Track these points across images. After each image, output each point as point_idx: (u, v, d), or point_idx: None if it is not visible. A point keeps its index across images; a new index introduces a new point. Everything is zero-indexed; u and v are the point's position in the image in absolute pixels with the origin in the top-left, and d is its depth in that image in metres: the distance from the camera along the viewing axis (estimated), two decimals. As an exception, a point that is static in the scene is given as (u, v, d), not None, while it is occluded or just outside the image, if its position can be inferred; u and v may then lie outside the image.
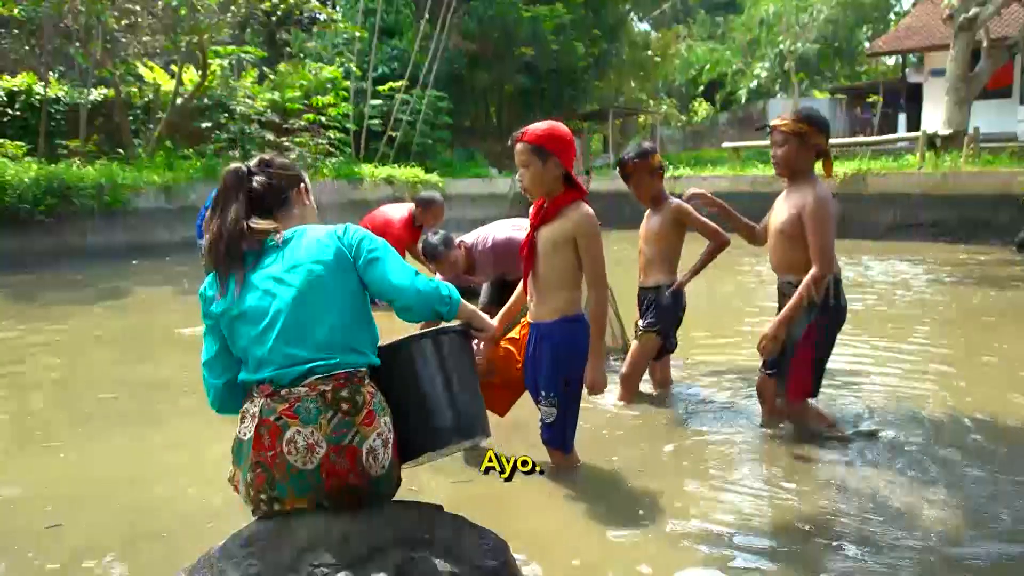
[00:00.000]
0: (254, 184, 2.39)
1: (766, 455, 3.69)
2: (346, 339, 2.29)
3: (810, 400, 3.78)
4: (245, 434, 2.22)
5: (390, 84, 19.36)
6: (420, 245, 5.46)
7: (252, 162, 2.46)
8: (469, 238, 5.51)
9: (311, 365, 2.22)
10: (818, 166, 3.81)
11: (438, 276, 5.53)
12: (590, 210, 3.23)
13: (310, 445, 2.17)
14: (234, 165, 2.41)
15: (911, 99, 23.41)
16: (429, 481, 3.37)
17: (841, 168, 15.39)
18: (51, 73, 14.71)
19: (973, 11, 15.42)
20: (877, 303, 7.66)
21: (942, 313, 7.28)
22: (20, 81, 14.22)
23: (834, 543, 2.79)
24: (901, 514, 3.00)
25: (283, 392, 2.19)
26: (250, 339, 2.25)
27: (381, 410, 2.30)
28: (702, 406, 4.41)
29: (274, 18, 18.67)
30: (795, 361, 3.62)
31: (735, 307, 7.89)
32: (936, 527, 2.89)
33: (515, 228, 5.45)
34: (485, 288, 5.75)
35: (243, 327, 2.26)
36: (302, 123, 17.12)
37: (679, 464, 3.58)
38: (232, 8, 15.42)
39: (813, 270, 3.48)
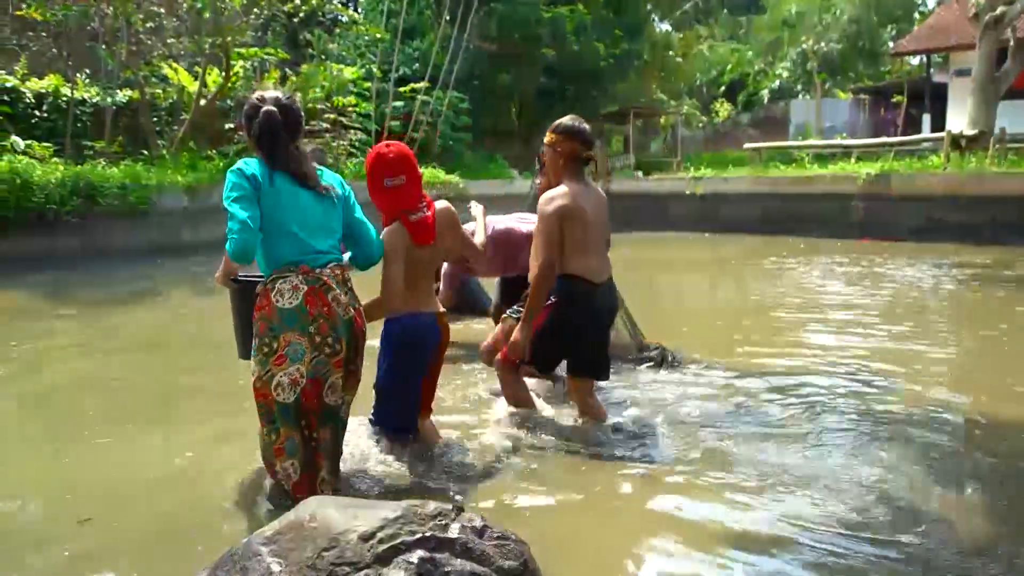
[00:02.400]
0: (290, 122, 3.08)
1: (777, 455, 3.68)
2: (339, 246, 3.21)
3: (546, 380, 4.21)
4: (293, 302, 2.94)
5: (411, 85, 19.41)
6: None
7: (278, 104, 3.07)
8: (471, 226, 5.53)
9: (331, 256, 3.09)
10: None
11: (444, 265, 5.55)
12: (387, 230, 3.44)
13: (344, 303, 3.04)
14: (269, 108, 3.02)
15: (936, 99, 23.15)
16: (450, 482, 3.39)
17: (864, 169, 15.28)
18: (78, 75, 14.86)
19: (1000, 10, 15.25)
20: (894, 303, 7.60)
21: (962, 313, 7.21)
22: (47, 83, 14.38)
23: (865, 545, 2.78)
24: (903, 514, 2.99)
25: (317, 271, 3.00)
26: (299, 225, 2.99)
27: None
28: (724, 406, 4.40)
29: (296, 20, 18.72)
30: (523, 326, 3.77)
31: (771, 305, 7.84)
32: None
33: (521, 220, 5.47)
34: (496, 287, 5.74)
35: (293, 214, 2.98)
36: (324, 124, 17.21)
37: (697, 465, 3.58)
38: (255, 10, 15.54)
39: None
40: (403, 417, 3.61)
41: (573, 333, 3.79)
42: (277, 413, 2.95)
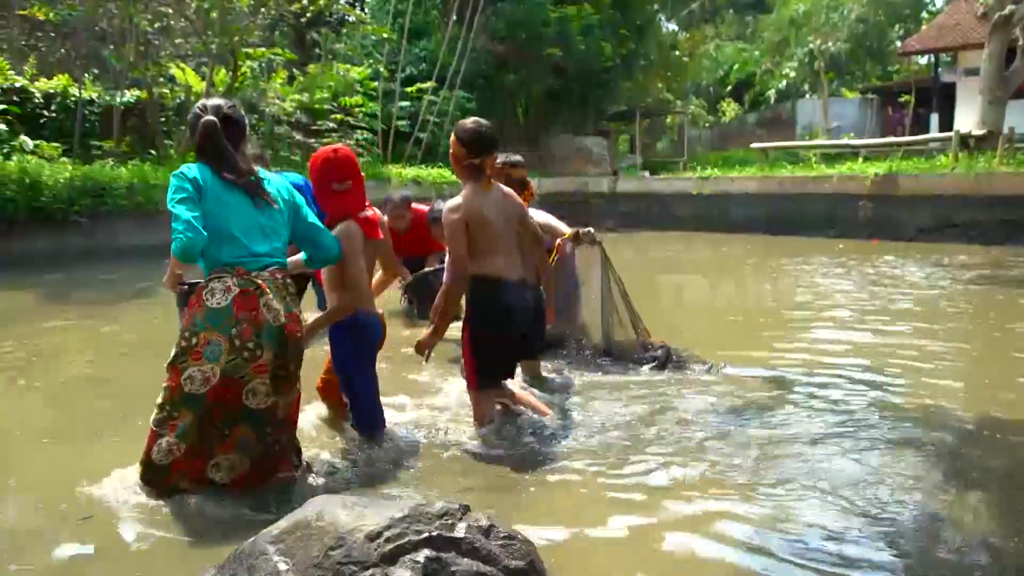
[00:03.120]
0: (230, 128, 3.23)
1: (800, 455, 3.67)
2: (284, 250, 3.30)
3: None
4: (221, 303, 3.02)
5: (418, 85, 19.44)
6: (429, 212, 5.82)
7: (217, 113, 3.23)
8: None
9: (271, 260, 3.17)
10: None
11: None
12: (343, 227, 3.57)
13: (276, 310, 3.09)
14: (208, 119, 3.16)
15: (944, 99, 23.08)
16: (455, 481, 3.39)
17: (872, 169, 15.24)
18: (86, 75, 14.92)
19: (1009, 9, 15.20)
20: (903, 304, 7.58)
21: (971, 313, 7.19)
22: (56, 83, 14.44)
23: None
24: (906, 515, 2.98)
25: (253, 274, 3.08)
26: (238, 228, 3.10)
27: None
28: (739, 403, 4.40)
29: (304, 20, 18.79)
30: (464, 355, 4.00)
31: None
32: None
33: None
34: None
35: (232, 217, 3.09)
36: (331, 124, 17.25)
37: (700, 465, 3.57)
38: (262, 10, 15.58)
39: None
40: (380, 412, 3.83)
41: (496, 328, 3.89)
42: (181, 399, 3.04)
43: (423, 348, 3.87)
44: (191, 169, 3.09)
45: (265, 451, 3.17)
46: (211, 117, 3.18)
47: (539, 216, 5.26)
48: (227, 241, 3.08)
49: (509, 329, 3.91)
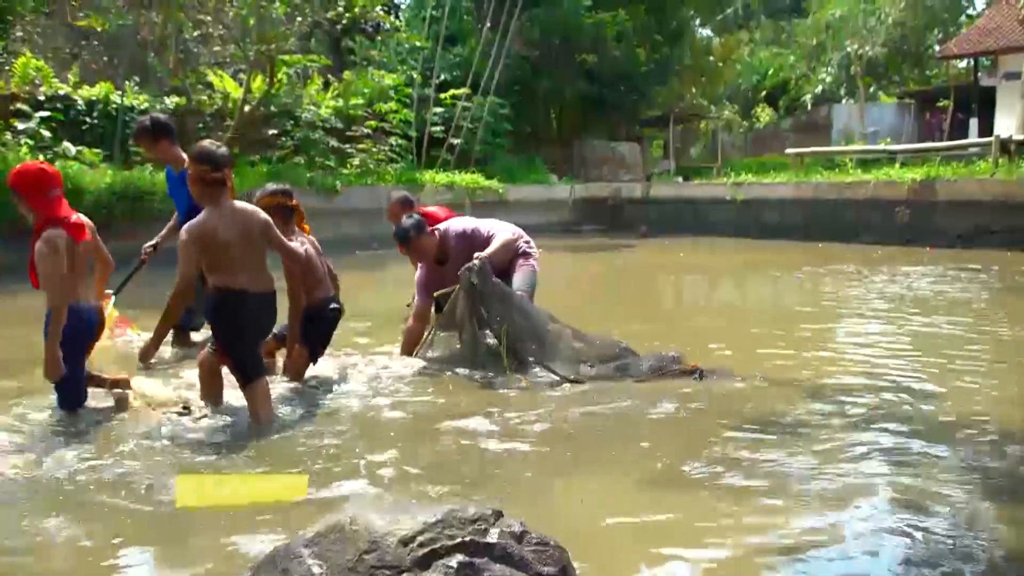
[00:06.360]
0: None
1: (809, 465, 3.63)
2: None
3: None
4: None
5: (452, 91, 19.52)
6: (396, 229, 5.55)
7: None
8: (444, 225, 5.53)
9: None
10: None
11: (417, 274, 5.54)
12: (48, 234, 3.94)
13: None
14: None
15: (983, 103, 22.71)
16: (488, 486, 3.40)
17: (910, 174, 15.04)
18: (127, 83, 15.19)
19: (1050, 12, 14.94)
20: (940, 312, 7.47)
21: (1005, 322, 7.07)
22: (98, 91, 14.70)
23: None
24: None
25: None
26: None
27: None
28: (757, 415, 4.37)
29: (339, 27, 18.95)
30: (224, 363, 4.33)
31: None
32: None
33: (485, 224, 5.59)
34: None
35: None
36: (365, 130, 17.38)
37: (718, 469, 3.55)
38: (299, 18, 15.75)
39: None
40: (83, 392, 4.31)
41: (237, 329, 4.20)
42: None
43: (145, 356, 4.56)
44: None
45: None
46: None
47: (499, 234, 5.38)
48: None
49: (252, 335, 4.29)
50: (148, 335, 5.18)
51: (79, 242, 4.07)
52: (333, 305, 4.98)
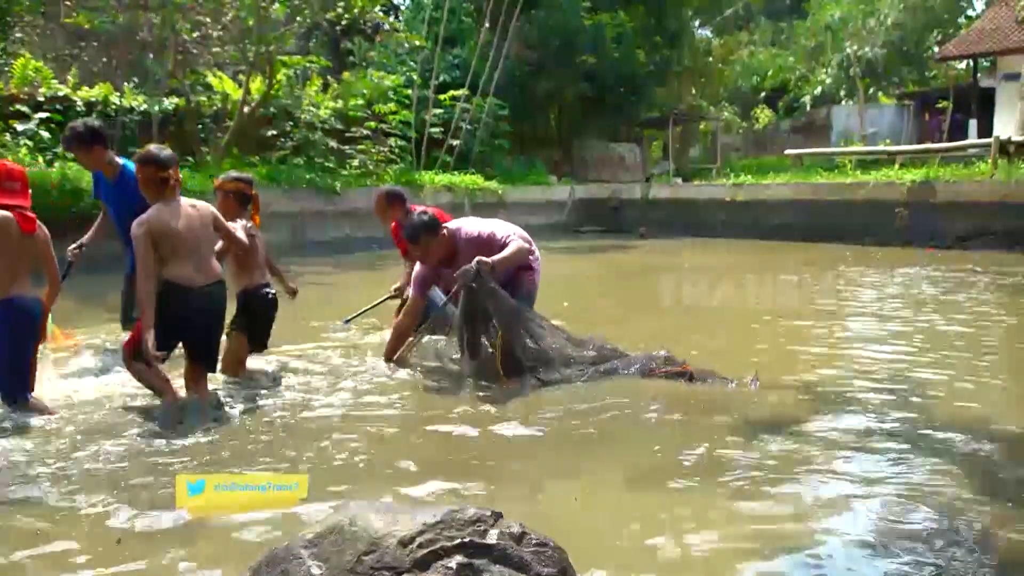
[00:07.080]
0: None
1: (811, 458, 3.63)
2: None
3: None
4: None
5: (451, 92, 19.53)
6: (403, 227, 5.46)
7: None
8: (455, 224, 5.46)
9: None
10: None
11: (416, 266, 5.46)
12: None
13: None
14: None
15: (982, 104, 22.74)
16: (487, 486, 3.40)
17: (909, 175, 15.05)
18: (125, 84, 15.19)
19: (1050, 14, 14.95)
20: (940, 313, 7.47)
21: (1006, 324, 7.07)
22: (97, 92, 14.71)
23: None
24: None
25: None
26: None
27: None
28: (757, 415, 4.37)
29: (338, 28, 18.98)
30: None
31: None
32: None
33: (500, 225, 5.52)
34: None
35: None
36: (365, 131, 17.40)
37: (719, 467, 3.55)
38: (298, 19, 15.76)
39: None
40: (28, 382, 4.32)
41: (175, 325, 4.34)
42: None
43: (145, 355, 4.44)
44: None
45: None
46: None
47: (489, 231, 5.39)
48: None
49: (192, 331, 4.44)
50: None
51: (26, 232, 4.15)
52: (267, 290, 5.14)
